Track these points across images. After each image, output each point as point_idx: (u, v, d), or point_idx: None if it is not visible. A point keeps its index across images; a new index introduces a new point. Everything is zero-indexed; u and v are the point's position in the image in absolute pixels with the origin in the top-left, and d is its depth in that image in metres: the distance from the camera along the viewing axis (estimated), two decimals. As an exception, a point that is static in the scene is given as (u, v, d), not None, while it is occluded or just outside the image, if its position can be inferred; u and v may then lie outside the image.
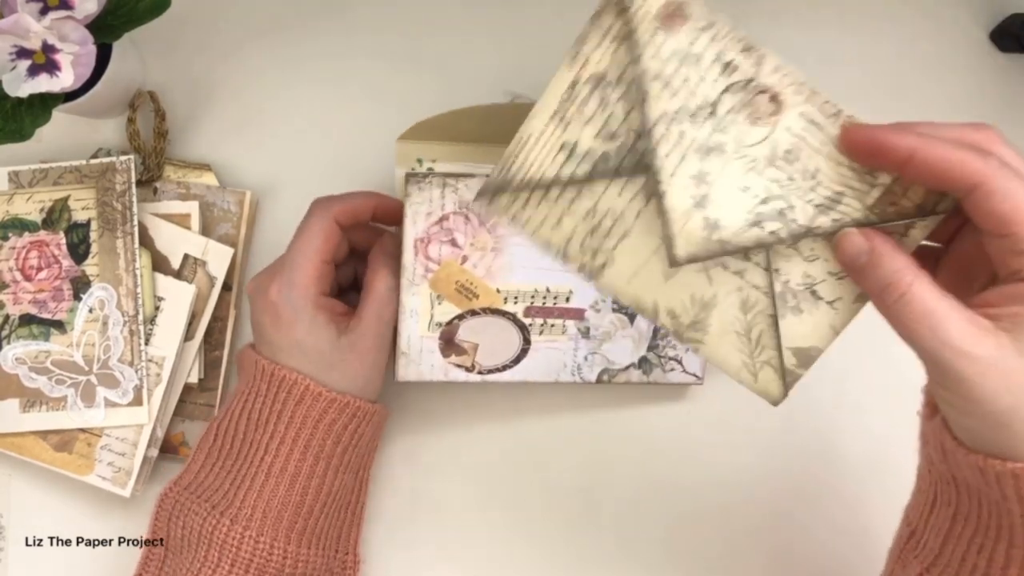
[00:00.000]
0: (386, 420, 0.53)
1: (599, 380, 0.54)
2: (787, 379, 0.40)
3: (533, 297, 0.52)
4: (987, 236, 0.35)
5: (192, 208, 0.57)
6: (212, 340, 0.57)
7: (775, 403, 0.40)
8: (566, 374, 0.54)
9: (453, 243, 0.51)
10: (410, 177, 0.50)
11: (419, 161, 0.54)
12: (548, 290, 0.52)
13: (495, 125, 0.54)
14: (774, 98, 0.37)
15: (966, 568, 0.39)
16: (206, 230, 0.57)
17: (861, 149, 0.37)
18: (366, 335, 0.49)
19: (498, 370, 0.54)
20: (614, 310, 0.53)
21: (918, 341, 0.35)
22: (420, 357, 0.52)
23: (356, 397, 0.49)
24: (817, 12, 0.59)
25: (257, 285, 0.50)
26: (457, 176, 0.50)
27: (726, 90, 0.37)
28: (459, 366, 0.53)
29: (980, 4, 0.59)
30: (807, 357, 0.39)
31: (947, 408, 0.36)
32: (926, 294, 0.35)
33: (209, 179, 0.58)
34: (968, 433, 0.36)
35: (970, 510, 0.39)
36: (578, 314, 0.53)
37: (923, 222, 0.37)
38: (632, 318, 0.53)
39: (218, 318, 0.57)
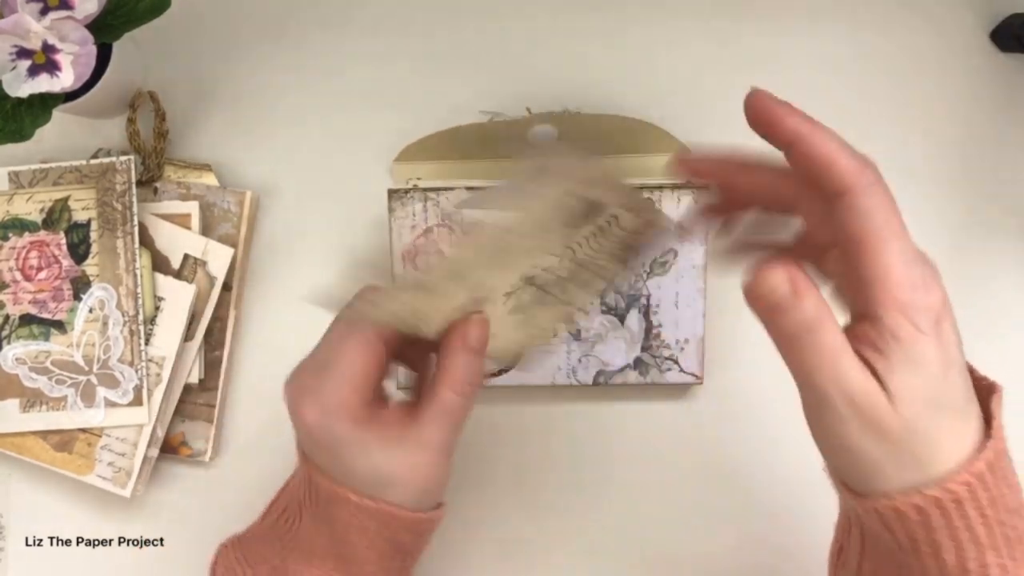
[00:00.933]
0: (439, 522, 0.46)
1: (595, 382, 0.54)
2: None
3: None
4: (842, 250, 0.35)
5: (192, 208, 0.57)
6: (212, 340, 0.57)
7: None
8: (561, 377, 0.54)
9: (440, 254, 0.51)
10: (392, 193, 0.51)
11: (410, 181, 0.56)
12: None
13: (476, 143, 0.56)
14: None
15: None
16: (206, 230, 0.57)
17: (760, 115, 0.35)
18: (426, 449, 0.41)
19: (494, 374, 0.54)
20: (603, 311, 0.53)
21: (817, 381, 0.34)
22: None
23: (403, 508, 0.42)
24: (817, 12, 0.59)
25: (294, 392, 0.42)
26: (437, 190, 0.51)
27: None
28: None
29: (980, 4, 0.59)
30: None
31: (827, 451, 0.36)
32: (836, 334, 0.34)
33: (209, 179, 0.58)
34: (844, 477, 0.37)
35: (877, 534, 0.38)
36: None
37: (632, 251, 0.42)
38: (622, 319, 0.53)
39: (218, 318, 0.57)
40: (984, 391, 0.37)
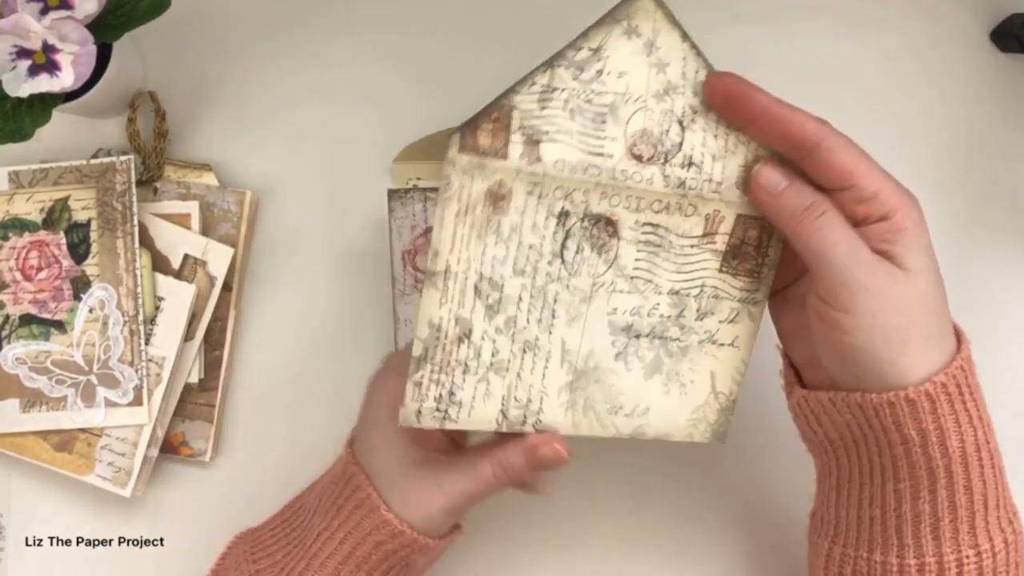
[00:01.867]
0: (449, 545, 0.47)
1: None
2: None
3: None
4: (831, 193, 0.39)
5: (192, 208, 0.57)
6: (212, 340, 0.57)
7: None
8: None
9: None
10: (392, 193, 0.51)
11: (409, 181, 0.56)
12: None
13: None
14: (609, 222, 0.40)
15: (864, 523, 0.42)
16: (206, 230, 0.57)
17: (722, 95, 0.40)
18: (444, 491, 0.44)
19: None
20: None
21: (833, 256, 0.38)
22: None
23: (413, 528, 0.44)
24: (817, 12, 0.59)
25: (385, 377, 0.46)
26: (437, 190, 0.51)
27: (567, 237, 0.40)
28: None
29: (980, 4, 0.59)
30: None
31: (840, 333, 0.39)
32: (841, 217, 0.39)
33: (209, 179, 0.58)
34: (845, 367, 0.40)
35: (851, 465, 0.42)
36: None
37: (772, 246, 0.42)
38: None
39: (218, 318, 0.57)
40: None
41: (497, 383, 0.41)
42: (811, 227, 0.39)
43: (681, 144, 0.39)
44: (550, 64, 0.39)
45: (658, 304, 0.42)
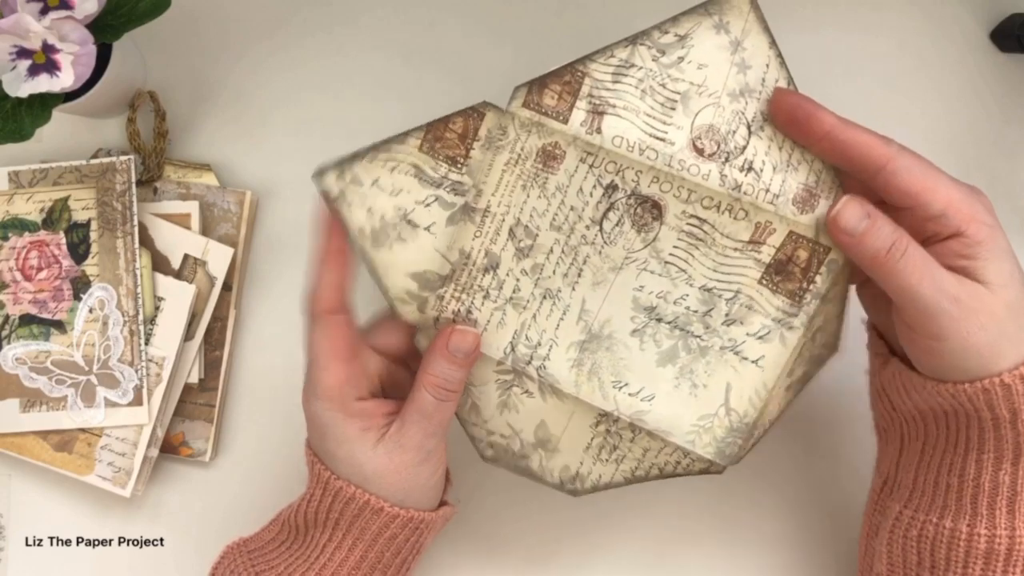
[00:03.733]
0: (451, 518, 0.48)
1: None
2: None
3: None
4: (900, 212, 0.40)
5: (192, 208, 0.57)
6: (212, 340, 0.57)
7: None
8: None
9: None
10: None
11: None
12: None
13: None
14: (655, 205, 0.40)
15: (940, 489, 0.42)
16: (206, 230, 0.57)
17: (787, 113, 0.40)
18: (405, 447, 0.43)
19: None
20: None
21: (919, 293, 0.39)
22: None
23: (419, 510, 0.44)
24: (817, 12, 0.59)
25: (302, 390, 0.45)
26: None
27: (609, 208, 0.40)
28: None
29: (980, 4, 0.59)
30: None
31: (922, 353, 0.41)
32: (921, 250, 0.40)
33: (209, 179, 0.58)
34: (937, 371, 0.41)
35: (938, 434, 0.42)
36: None
37: (820, 273, 0.41)
38: None
39: (218, 318, 0.57)
40: None
41: (512, 316, 0.42)
42: (894, 268, 0.39)
43: (745, 148, 0.39)
44: (633, 41, 0.38)
45: (687, 295, 0.41)
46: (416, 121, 0.57)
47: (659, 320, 0.41)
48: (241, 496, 0.57)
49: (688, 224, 0.40)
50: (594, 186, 0.39)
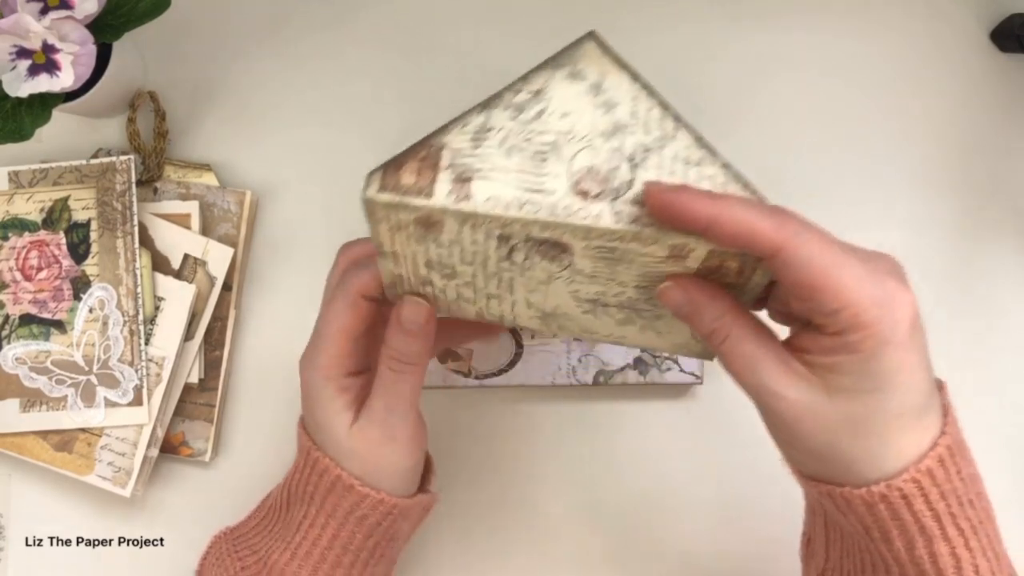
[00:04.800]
0: (431, 509, 0.48)
1: (595, 382, 0.54)
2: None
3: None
4: (792, 298, 0.36)
5: (192, 208, 0.57)
6: (212, 340, 0.57)
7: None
8: (561, 377, 0.54)
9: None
10: None
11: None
12: None
13: None
14: (556, 244, 0.38)
15: (847, 568, 0.41)
16: (206, 230, 0.57)
17: (659, 211, 0.35)
18: (372, 422, 0.43)
19: (494, 374, 0.54)
20: None
21: (741, 382, 0.37)
22: None
23: (391, 495, 0.44)
24: (817, 12, 0.59)
25: (302, 355, 0.46)
26: None
27: (511, 250, 0.38)
28: (457, 371, 0.54)
29: (980, 4, 0.59)
30: None
31: (775, 442, 0.38)
32: (745, 339, 0.36)
33: (209, 179, 0.58)
34: (797, 464, 0.39)
35: (833, 517, 0.40)
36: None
37: (758, 271, 0.37)
38: None
39: (218, 318, 0.57)
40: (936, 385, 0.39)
41: (468, 307, 0.42)
42: (719, 353, 0.37)
43: (632, 182, 0.36)
44: (486, 105, 0.37)
45: (623, 291, 0.40)
46: (414, 120, 0.57)
47: (605, 305, 0.41)
48: (241, 496, 0.57)
49: (599, 252, 0.38)
50: (486, 237, 0.37)
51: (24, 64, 0.50)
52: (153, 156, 0.57)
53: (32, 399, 0.55)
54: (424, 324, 0.42)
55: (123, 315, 0.55)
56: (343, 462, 0.44)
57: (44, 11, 0.49)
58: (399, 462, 0.45)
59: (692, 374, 0.54)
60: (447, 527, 0.57)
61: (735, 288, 0.38)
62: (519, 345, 0.53)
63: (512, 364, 0.54)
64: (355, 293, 0.43)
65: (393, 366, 0.43)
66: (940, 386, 0.39)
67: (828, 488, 0.37)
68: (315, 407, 0.44)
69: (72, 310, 0.55)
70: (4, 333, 0.56)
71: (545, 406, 0.57)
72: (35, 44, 0.49)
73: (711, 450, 0.57)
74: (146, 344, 0.55)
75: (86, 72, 0.50)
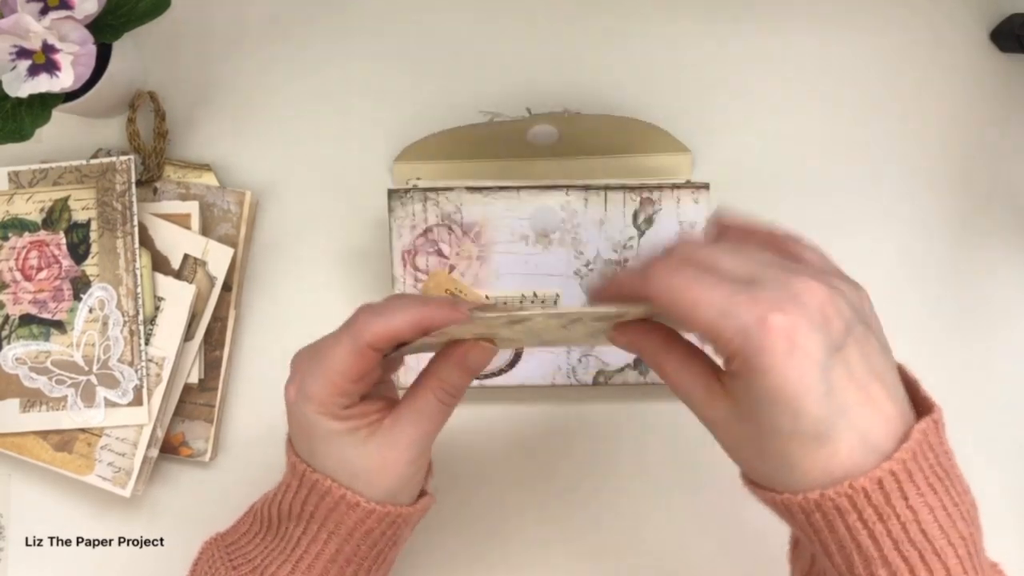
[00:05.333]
0: (429, 508, 0.48)
1: (595, 382, 0.54)
2: None
3: (521, 302, 0.52)
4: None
5: (192, 208, 0.57)
6: (212, 340, 0.57)
7: None
8: (561, 377, 0.54)
9: (439, 253, 0.51)
10: (392, 193, 0.51)
11: (409, 181, 0.56)
12: (535, 295, 0.52)
13: (476, 143, 0.56)
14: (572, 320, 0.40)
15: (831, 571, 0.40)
16: (206, 230, 0.57)
17: (596, 295, 0.41)
18: (398, 445, 0.43)
19: (494, 375, 0.54)
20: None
21: (680, 394, 0.39)
22: (419, 363, 0.52)
23: (396, 506, 0.44)
24: (817, 12, 0.59)
25: (291, 371, 0.44)
26: (437, 190, 0.51)
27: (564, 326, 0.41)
28: None
29: (980, 4, 0.59)
30: None
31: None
32: (677, 366, 0.39)
33: (209, 179, 0.58)
34: (745, 470, 0.40)
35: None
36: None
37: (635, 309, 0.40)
38: None
39: (218, 318, 0.57)
40: (921, 405, 0.38)
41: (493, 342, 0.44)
42: (660, 377, 0.40)
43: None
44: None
45: (591, 326, 0.42)
46: (414, 121, 0.58)
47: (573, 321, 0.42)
48: (241, 496, 0.57)
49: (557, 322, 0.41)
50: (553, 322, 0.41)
51: (24, 64, 0.50)
52: (153, 156, 0.57)
53: (32, 399, 0.55)
54: (483, 366, 0.44)
55: (123, 315, 0.55)
56: (354, 482, 0.43)
57: (44, 11, 0.49)
58: (417, 475, 0.45)
59: None
60: (446, 527, 0.57)
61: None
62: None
63: (512, 365, 0.54)
64: (364, 343, 0.41)
65: (444, 398, 0.44)
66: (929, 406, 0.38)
67: (769, 494, 0.38)
68: (311, 436, 0.43)
69: (72, 310, 0.55)
70: (4, 333, 0.56)
71: (545, 406, 0.57)
72: (35, 44, 0.49)
73: (710, 451, 0.57)
74: (146, 344, 0.55)
75: (86, 72, 0.50)
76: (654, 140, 0.56)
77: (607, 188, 0.53)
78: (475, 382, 0.54)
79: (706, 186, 0.53)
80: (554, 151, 0.56)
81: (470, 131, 0.56)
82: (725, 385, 0.37)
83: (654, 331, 0.40)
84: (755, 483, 0.39)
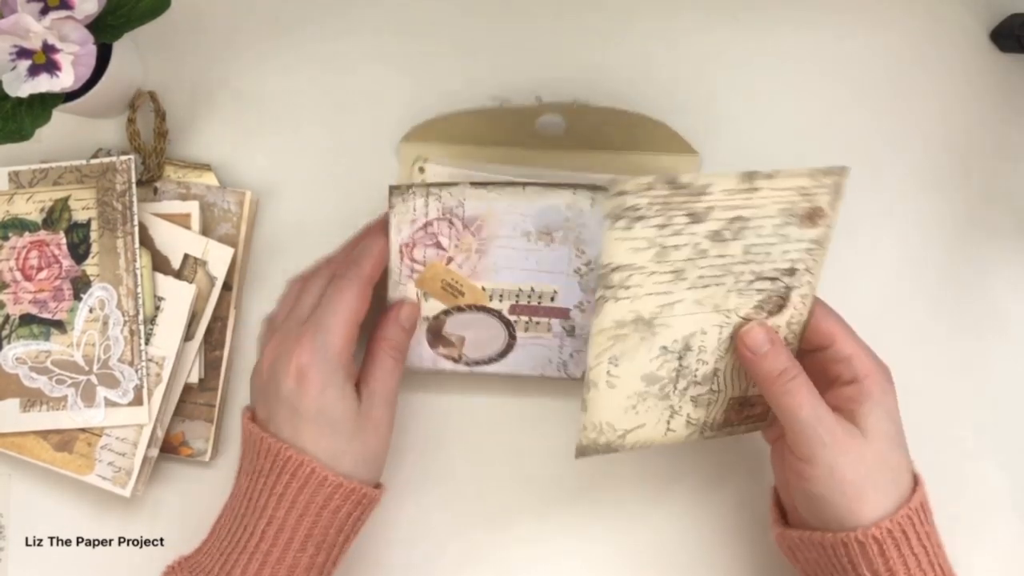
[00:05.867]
0: (378, 503, 0.50)
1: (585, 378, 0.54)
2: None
3: (518, 296, 0.53)
4: (811, 353, 0.47)
5: (192, 208, 0.57)
6: (212, 340, 0.57)
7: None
8: (552, 369, 0.55)
9: (438, 245, 0.51)
10: (393, 189, 0.51)
11: (419, 167, 0.56)
12: (533, 290, 0.52)
13: (484, 127, 0.56)
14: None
15: None
16: (206, 230, 0.57)
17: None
18: (379, 405, 0.48)
19: (485, 362, 0.54)
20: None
21: (799, 415, 0.44)
22: (410, 347, 0.53)
23: (362, 483, 0.47)
24: (816, 12, 0.59)
25: (278, 351, 0.48)
26: (440, 185, 0.51)
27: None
28: (447, 357, 0.54)
29: (980, 4, 0.59)
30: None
31: (802, 481, 0.45)
32: (809, 383, 0.45)
33: (209, 179, 0.58)
34: (810, 510, 0.46)
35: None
36: (563, 313, 0.53)
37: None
38: None
39: (218, 318, 0.57)
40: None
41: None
42: (783, 388, 0.45)
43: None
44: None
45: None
46: (415, 120, 0.58)
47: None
48: (241, 496, 0.57)
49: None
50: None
51: (24, 64, 0.50)
52: (153, 156, 0.57)
53: (32, 399, 0.55)
54: (414, 322, 0.51)
55: (123, 315, 0.55)
56: (339, 447, 0.46)
57: (44, 11, 0.49)
58: (384, 446, 0.49)
59: None
60: (430, 517, 0.57)
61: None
62: (512, 336, 0.54)
63: (503, 354, 0.54)
64: (366, 278, 0.48)
65: (394, 355, 0.49)
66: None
67: (829, 536, 0.44)
68: (325, 391, 0.46)
69: (72, 310, 0.55)
70: (4, 333, 0.56)
71: (532, 398, 0.57)
72: (35, 44, 0.49)
73: (706, 446, 0.57)
74: (146, 344, 0.55)
75: (86, 72, 0.50)
76: (662, 139, 0.56)
77: None
78: (465, 368, 0.54)
79: None
80: (561, 143, 0.56)
81: (479, 115, 0.56)
82: (842, 414, 0.46)
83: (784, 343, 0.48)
84: (798, 525, 0.48)
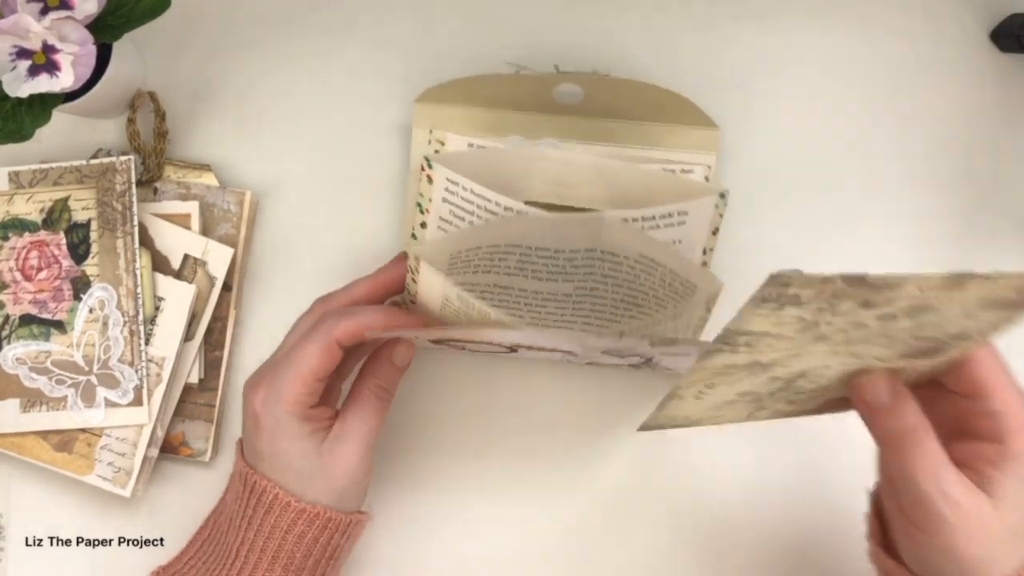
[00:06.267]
0: (364, 527, 0.51)
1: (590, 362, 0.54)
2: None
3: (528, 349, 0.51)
4: (951, 395, 0.40)
5: (192, 208, 0.57)
6: (212, 340, 0.57)
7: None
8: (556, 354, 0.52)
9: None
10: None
11: (435, 148, 0.55)
12: (543, 347, 0.50)
13: (500, 93, 0.56)
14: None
15: None
16: (206, 230, 0.57)
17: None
18: (348, 443, 0.47)
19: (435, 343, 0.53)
20: (604, 352, 0.48)
21: (919, 484, 0.38)
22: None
23: (328, 508, 0.47)
24: (817, 12, 0.59)
25: (249, 386, 0.48)
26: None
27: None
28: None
29: (980, 4, 0.59)
30: None
31: (913, 545, 0.40)
32: (936, 444, 0.39)
33: (209, 179, 0.58)
34: (915, 560, 0.41)
35: None
36: (569, 353, 0.51)
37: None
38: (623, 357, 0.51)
39: (218, 318, 0.57)
40: None
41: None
42: (902, 452, 0.39)
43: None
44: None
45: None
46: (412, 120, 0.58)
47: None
48: (241, 496, 0.57)
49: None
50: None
51: (24, 64, 0.50)
52: (153, 156, 0.57)
53: (32, 399, 0.55)
54: (408, 363, 0.50)
55: (123, 315, 0.55)
56: (311, 482, 0.46)
57: (44, 11, 0.49)
58: (363, 476, 0.48)
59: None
60: (428, 494, 0.57)
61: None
62: (513, 350, 0.53)
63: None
64: (333, 340, 0.46)
65: (380, 394, 0.49)
66: None
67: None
68: (277, 436, 0.46)
69: (72, 310, 0.55)
70: (4, 333, 0.56)
71: (545, 375, 0.57)
72: (35, 44, 0.49)
73: (709, 444, 0.57)
74: (146, 344, 0.55)
75: (86, 72, 0.50)
76: (682, 112, 0.55)
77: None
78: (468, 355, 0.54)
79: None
80: (579, 110, 0.56)
81: (495, 80, 0.55)
82: (976, 474, 0.39)
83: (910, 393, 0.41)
84: (906, 566, 0.42)
